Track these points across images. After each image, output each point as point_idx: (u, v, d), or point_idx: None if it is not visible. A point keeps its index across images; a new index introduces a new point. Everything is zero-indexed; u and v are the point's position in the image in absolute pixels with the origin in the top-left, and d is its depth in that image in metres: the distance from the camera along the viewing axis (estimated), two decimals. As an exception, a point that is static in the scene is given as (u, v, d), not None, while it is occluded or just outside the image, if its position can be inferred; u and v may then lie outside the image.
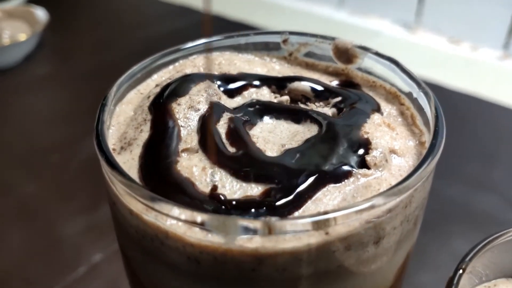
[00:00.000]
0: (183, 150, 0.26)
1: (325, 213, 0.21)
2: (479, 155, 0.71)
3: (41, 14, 0.98)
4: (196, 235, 0.22)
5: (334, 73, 0.35)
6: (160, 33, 1.06)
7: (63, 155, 0.73)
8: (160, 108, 0.28)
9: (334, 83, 0.34)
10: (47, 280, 0.54)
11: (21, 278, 0.55)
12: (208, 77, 0.31)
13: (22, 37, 0.93)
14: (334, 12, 1.13)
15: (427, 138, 0.28)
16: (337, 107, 0.31)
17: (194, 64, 0.34)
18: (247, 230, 0.21)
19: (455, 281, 0.24)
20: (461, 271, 0.25)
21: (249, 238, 0.22)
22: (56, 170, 0.71)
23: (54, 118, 0.84)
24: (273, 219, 0.21)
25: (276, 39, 0.36)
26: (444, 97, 0.84)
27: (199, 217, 0.21)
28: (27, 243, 0.60)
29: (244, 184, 0.24)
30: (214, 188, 0.24)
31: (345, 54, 0.34)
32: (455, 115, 0.80)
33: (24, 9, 1.01)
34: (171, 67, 0.34)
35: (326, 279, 0.23)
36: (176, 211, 0.21)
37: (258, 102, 0.31)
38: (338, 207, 0.24)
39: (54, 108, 0.87)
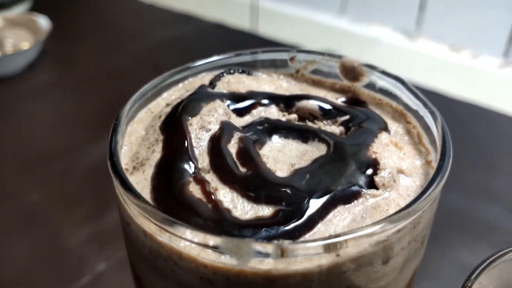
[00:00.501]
0: (195, 171, 0.27)
1: (337, 236, 0.22)
2: (479, 163, 0.71)
3: (43, 22, 0.99)
4: (209, 257, 0.23)
5: (340, 90, 0.36)
6: (161, 39, 1.07)
7: (66, 163, 0.74)
8: (172, 128, 0.28)
9: (341, 100, 0.35)
10: None
11: (25, 287, 0.55)
12: (218, 96, 0.32)
13: (25, 45, 0.93)
14: (335, 20, 1.14)
15: (433, 157, 0.29)
16: (344, 125, 0.31)
17: (203, 82, 0.35)
18: (260, 253, 0.21)
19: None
20: (468, 290, 0.25)
21: (262, 260, 0.22)
22: (59, 178, 0.71)
23: (57, 125, 0.84)
24: (286, 243, 0.21)
25: (284, 56, 0.37)
26: (444, 104, 0.85)
27: (213, 240, 0.22)
28: (31, 252, 0.60)
29: (255, 205, 0.25)
30: (227, 209, 0.25)
31: (351, 72, 0.35)
32: (456, 122, 0.80)
33: (26, 17, 1.02)
34: (180, 85, 0.35)
35: (336, 298, 0.24)
36: (189, 234, 0.22)
37: (267, 120, 0.31)
38: (348, 228, 0.24)
39: (57, 115, 0.88)
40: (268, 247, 0.21)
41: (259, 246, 0.21)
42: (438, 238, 0.58)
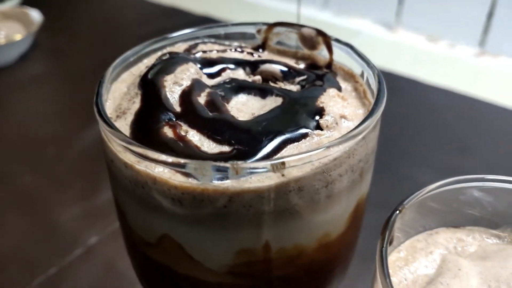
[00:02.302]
0: (169, 118, 0.31)
1: (281, 157, 0.27)
2: (452, 145, 0.75)
3: (35, 15, 1.02)
4: (178, 179, 0.28)
5: (301, 58, 0.41)
6: (151, 33, 1.08)
7: (59, 148, 0.77)
8: (149, 83, 0.33)
9: (301, 65, 0.40)
10: (45, 263, 0.58)
11: (19, 262, 0.59)
12: (191, 60, 0.36)
13: (17, 37, 0.97)
14: (319, 13, 1.19)
15: (374, 99, 0.34)
16: (301, 85, 0.36)
17: (179, 50, 0.40)
18: (218, 170, 0.26)
19: (391, 220, 0.29)
20: (397, 212, 0.30)
21: (222, 180, 0.27)
22: (52, 162, 0.75)
23: (49, 114, 0.88)
24: (239, 162, 0.26)
25: (251, 30, 0.42)
26: (421, 91, 0.88)
27: (181, 161, 0.26)
28: (25, 229, 0.63)
29: (219, 144, 0.30)
30: (196, 146, 0.30)
31: (310, 41, 0.40)
32: (431, 108, 0.85)
33: (19, 10, 1.05)
34: (159, 53, 0.40)
35: (284, 217, 0.29)
36: (163, 156, 0.27)
37: (234, 80, 0.36)
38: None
39: (49, 105, 0.91)
40: (225, 166, 0.26)
41: (218, 165, 0.26)
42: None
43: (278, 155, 0.29)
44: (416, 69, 0.95)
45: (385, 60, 0.99)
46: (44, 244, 0.61)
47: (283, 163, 0.27)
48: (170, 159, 0.26)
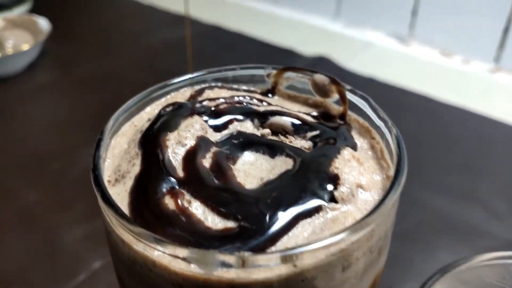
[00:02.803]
0: (171, 185, 0.29)
1: (292, 248, 0.24)
2: (464, 166, 0.73)
3: (43, 23, 1.00)
4: (179, 266, 0.25)
5: (313, 105, 0.38)
6: (160, 41, 1.08)
7: (63, 163, 0.75)
8: (150, 143, 0.31)
9: (313, 114, 0.37)
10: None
11: (21, 285, 0.57)
12: (196, 111, 0.34)
13: (25, 46, 0.95)
14: (329, 24, 1.16)
15: (393, 172, 0.31)
16: (313, 140, 0.34)
17: (184, 97, 0.37)
18: (223, 263, 0.24)
19: None
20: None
21: (226, 269, 0.25)
22: (56, 178, 0.73)
23: (56, 126, 0.86)
24: (246, 254, 0.24)
25: (261, 72, 0.39)
26: (433, 108, 0.86)
27: (181, 252, 0.24)
28: (27, 250, 0.61)
29: (224, 218, 0.27)
30: (199, 221, 0.27)
31: (322, 89, 0.37)
32: (442, 126, 0.82)
33: (27, 18, 1.03)
34: (163, 99, 0.37)
35: (296, 304, 0.26)
36: (160, 247, 0.24)
37: (241, 134, 0.34)
38: (308, 240, 0.27)
39: (56, 116, 0.89)
40: (231, 258, 0.24)
41: (223, 257, 0.24)
42: (421, 239, 0.60)
43: (290, 234, 0.26)
44: (428, 84, 0.93)
45: (397, 73, 0.96)
46: (46, 267, 0.59)
47: (295, 255, 0.24)
48: (167, 249, 0.24)
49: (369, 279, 0.30)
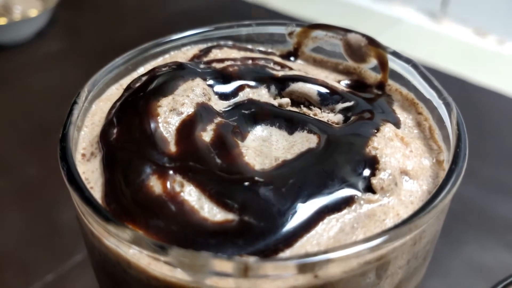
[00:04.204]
0: (159, 164, 0.22)
1: (314, 255, 0.17)
2: (500, 156, 0.67)
3: (53, -11, 0.96)
4: (161, 269, 0.19)
5: (345, 72, 0.31)
6: (174, 12, 1.04)
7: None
8: (137, 109, 0.24)
9: (344, 83, 0.30)
10: (43, 268, 0.53)
11: (15, 265, 0.54)
12: (199, 73, 0.27)
13: (34, 12, 0.91)
14: (356, -3, 1.09)
15: (445, 156, 0.24)
16: (344, 114, 0.27)
17: (186, 56, 0.31)
18: (218, 271, 0.17)
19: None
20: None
21: (223, 278, 0.18)
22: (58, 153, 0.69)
23: (62, 96, 0.81)
24: (251, 260, 0.17)
25: (282, 30, 0.32)
26: (466, 91, 0.81)
27: (162, 252, 0.17)
28: (24, 228, 0.59)
29: (224, 208, 0.21)
30: (192, 211, 0.21)
31: (358, 51, 0.30)
32: (477, 112, 0.77)
33: None
34: (160, 59, 0.31)
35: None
36: (135, 244, 0.18)
37: (253, 103, 0.27)
38: (334, 240, 0.20)
39: (63, 86, 0.85)
40: (229, 265, 0.17)
41: (218, 262, 0.17)
42: (450, 234, 0.54)
43: (311, 233, 0.20)
44: (460, 66, 0.87)
45: (426, 52, 0.92)
46: (43, 245, 0.57)
47: (317, 263, 0.17)
48: (145, 247, 0.17)
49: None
